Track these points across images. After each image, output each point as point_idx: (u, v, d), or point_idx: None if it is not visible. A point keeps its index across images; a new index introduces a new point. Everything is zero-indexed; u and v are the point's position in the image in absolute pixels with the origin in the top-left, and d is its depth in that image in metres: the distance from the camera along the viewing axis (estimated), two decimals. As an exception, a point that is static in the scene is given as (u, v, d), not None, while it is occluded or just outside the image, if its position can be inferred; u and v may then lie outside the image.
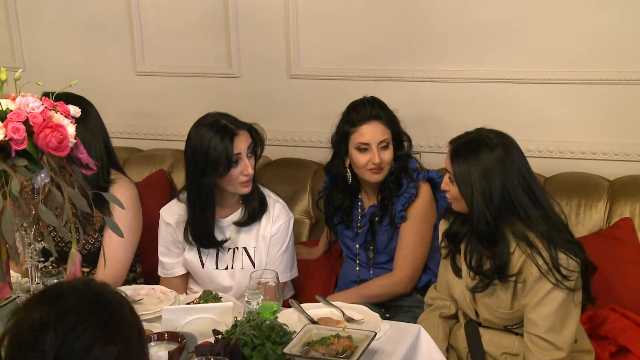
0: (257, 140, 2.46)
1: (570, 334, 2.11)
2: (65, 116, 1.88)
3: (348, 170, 2.66)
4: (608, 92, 2.88)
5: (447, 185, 2.22)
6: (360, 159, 2.59)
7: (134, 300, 2.27)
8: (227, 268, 2.51)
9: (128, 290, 2.34)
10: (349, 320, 2.14)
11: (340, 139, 2.64)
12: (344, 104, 2.68)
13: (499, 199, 2.10)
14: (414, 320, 2.39)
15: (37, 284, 2.01)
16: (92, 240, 2.57)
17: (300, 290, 2.70)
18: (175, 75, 3.52)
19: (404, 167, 2.65)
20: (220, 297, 2.21)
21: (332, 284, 2.85)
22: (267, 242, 2.51)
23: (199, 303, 2.17)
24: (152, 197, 2.93)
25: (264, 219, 2.51)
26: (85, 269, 2.57)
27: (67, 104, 1.94)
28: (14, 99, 1.85)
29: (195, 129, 2.42)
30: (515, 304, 2.17)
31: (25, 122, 1.80)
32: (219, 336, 1.88)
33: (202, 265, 2.52)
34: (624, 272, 2.59)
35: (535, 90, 2.96)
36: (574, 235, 2.22)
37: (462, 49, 3.02)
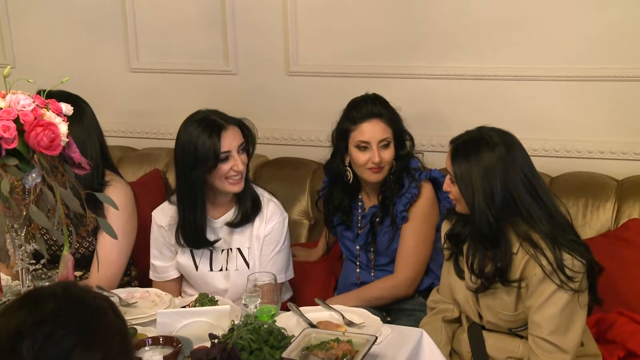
0: (249, 137, 2.47)
1: (576, 337, 2.12)
2: (57, 114, 1.88)
3: (348, 168, 2.67)
4: (616, 90, 2.88)
5: (449, 186, 2.22)
6: (360, 157, 2.59)
7: (127, 304, 2.27)
8: (221, 270, 2.52)
9: (122, 294, 2.34)
10: (349, 324, 2.14)
11: (340, 137, 2.65)
12: (343, 101, 2.68)
13: (500, 199, 2.10)
14: (416, 324, 2.39)
15: (28, 287, 2.01)
16: (86, 244, 2.57)
17: (299, 293, 2.70)
18: (170, 72, 3.53)
19: (405, 167, 2.65)
20: (217, 300, 2.22)
21: (332, 286, 2.85)
22: (260, 243, 2.52)
23: (195, 306, 2.17)
24: (147, 198, 2.93)
25: (257, 219, 2.52)
26: (78, 273, 2.57)
27: (61, 102, 1.94)
28: (4, 97, 1.85)
29: (184, 126, 2.44)
30: (519, 305, 2.17)
31: (16, 120, 1.80)
32: (216, 340, 1.88)
33: (196, 267, 2.53)
34: (633, 275, 2.59)
35: (541, 87, 2.96)
36: (580, 236, 2.23)
37: (465, 45, 3.02)
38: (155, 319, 2.07)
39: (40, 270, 2.06)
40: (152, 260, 2.58)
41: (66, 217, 1.90)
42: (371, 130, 2.58)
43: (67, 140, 1.87)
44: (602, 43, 2.85)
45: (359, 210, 2.75)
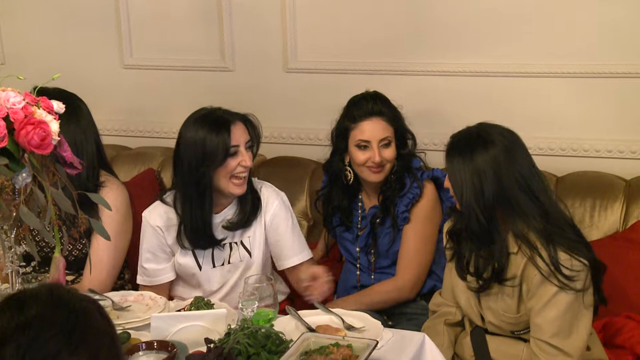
0: (253, 134, 2.48)
1: (580, 339, 2.12)
2: (48, 112, 1.88)
3: (348, 168, 2.67)
4: (624, 86, 2.88)
5: (448, 183, 2.24)
6: (360, 156, 2.60)
7: (121, 307, 2.28)
8: (223, 264, 2.52)
9: (115, 297, 2.35)
10: (349, 328, 2.14)
11: (340, 135, 2.65)
12: (343, 99, 2.69)
13: (491, 197, 2.11)
14: (418, 328, 2.40)
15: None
16: (79, 246, 2.57)
17: (298, 296, 2.70)
18: (164, 69, 3.53)
19: (407, 166, 2.66)
20: (213, 304, 2.22)
21: (331, 289, 2.85)
22: (263, 229, 2.52)
23: (190, 310, 2.18)
24: (141, 198, 2.92)
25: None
26: (70, 277, 2.57)
27: (56, 100, 1.94)
28: (-7, 94, 1.85)
29: (189, 123, 2.44)
30: (521, 307, 2.18)
31: (6, 118, 1.80)
32: (212, 345, 1.89)
33: (200, 267, 2.52)
34: (642, 278, 2.59)
35: (547, 84, 2.97)
36: (583, 236, 2.23)
37: (469, 40, 3.03)
38: (150, 323, 2.07)
39: (31, 273, 2.06)
40: (144, 264, 2.54)
41: (58, 218, 1.91)
42: (371, 129, 2.58)
43: (59, 139, 1.87)
44: (609, 39, 2.86)
45: (359, 211, 2.76)
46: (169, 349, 1.92)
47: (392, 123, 2.62)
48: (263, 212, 2.53)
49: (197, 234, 2.46)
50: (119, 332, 2.00)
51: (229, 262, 2.52)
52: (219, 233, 2.50)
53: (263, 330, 1.92)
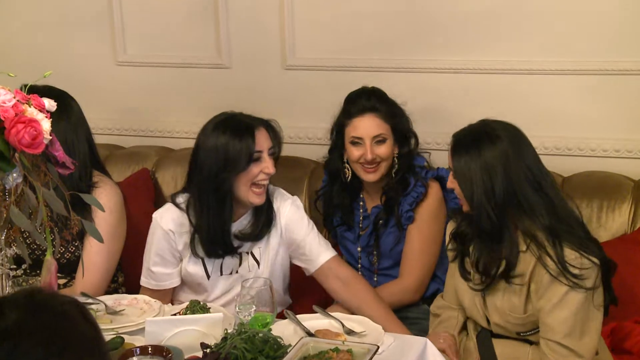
0: (275, 140, 2.46)
1: (592, 341, 2.13)
2: (40, 110, 1.88)
3: (347, 165, 2.68)
4: (632, 84, 2.88)
5: (452, 183, 2.24)
6: (354, 152, 2.61)
7: (114, 311, 2.28)
8: (231, 273, 2.51)
9: (109, 301, 2.35)
10: (349, 332, 2.15)
11: (337, 132, 2.67)
12: (342, 96, 2.70)
13: (502, 194, 2.12)
14: (420, 332, 2.40)
15: (8, 294, 2.01)
16: (71, 248, 2.58)
17: (296, 299, 2.71)
18: (159, 66, 3.53)
19: (409, 166, 2.66)
20: (209, 308, 2.22)
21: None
22: (279, 236, 2.51)
23: (186, 314, 2.18)
24: (135, 199, 2.94)
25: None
26: (62, 281, 2.58)
27: (46, 97, 1.94)
28: (-18, 92, 1.85)
29: (209, 129, 2.42)
30: (529, 307, 2.19)
31: (-5, 117, 1.81)
32: (208, 350, 1.89)
33: (208, 276, 2.50)
34: (651, 281, 2.60)
35: (553, 81, 2.97)
36: (591, 234, 2.23)
37: (473, 36, 3.02)
38: (144, 328, 2.07)
39: (21, 277, 2.07)
40: (152, 267, 2.50)
41: (49, 220, 1.91)
42: (364, 126, 2.60)
43: (50, 137, 1.87)
44: (617, 35, 2.86)
45: (360, 210, 2.76)
46: (164, 354, 1.91)
47: (388, 120, 2.63)
48: (278, 221, 2.52)
49: (214, 242, 2.43)
50: (112, 336, 2.02)
51: (237, 272, 2.51)
52: (233, 242, 2.49)
53: (261, 334, 1.92)
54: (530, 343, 2.25)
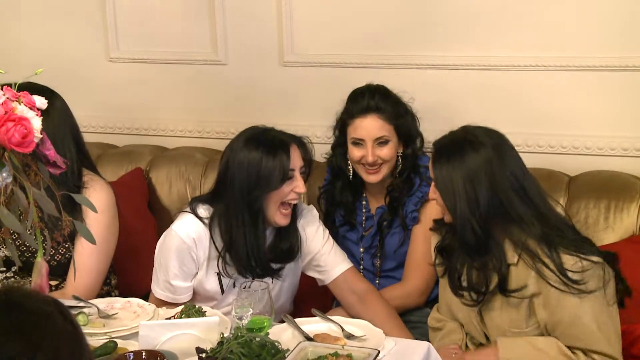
0: (306, 159, 2.45)
1: (618, 340, 2.13)
2: (30, 108, 1.88)
3: (350, 163, 2.68)
4: (640, 81, 2.89)
5: (434, 193, 2.23)
6: (355, 153, 2.62)
7: (107, 315, 2.28)
8: (245, 288, 2.50)
9: (101, 304, 2.35)
10: (349, 336, 2.15)
11: (340, 129, 2.68)
12: (343, 94, 2.70)
13: (486, 204, 2.11)
14: (423, 337, 2.39)
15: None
16: (62, 250, 2.58)
17: (295, 303, 2.71)
18: (153, 62, 3.53)
19: (413, 165, 2.66)
20: (205, 311, 2.22)
21: (331, 296, 2.85)
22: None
23: (181, 317, 2.18)
24: (128, 199, 2.94)
25: None
26: (54, 282, 2.58)
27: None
28: (-29, 89, 1.85)
29: (239, 143, 2.39)
30: (532, 320, 2.18)
31: (-15, 115, 1.81)
32: (204, 355, 1.89)
33: (222, 291, 2.49)
34: (660, 283, 2.59)
35: (559, 78, 2.96)
36: (581, 233, 2.24)
37: (478, 31, 3.02)
38: (138, 332, 2.07)
39: (12, 279, 2.07)
40: (172, 280, 2.44)
41: (40, 221, 1.91)
42: (366, 127, 2.60)
43: (41, 136, 1.87)
44: (625, 29, 2.85)
45: (363, 210, 2.76)
46: (158, 359, 1.92)
47: (392, 121, 2.62)
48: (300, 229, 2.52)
49: (250, 262, 2.40)
50: (105, 341, 2.01)
51: (249, 287, 2.50)
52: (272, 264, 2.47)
53: (258, 339, 1.92)
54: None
